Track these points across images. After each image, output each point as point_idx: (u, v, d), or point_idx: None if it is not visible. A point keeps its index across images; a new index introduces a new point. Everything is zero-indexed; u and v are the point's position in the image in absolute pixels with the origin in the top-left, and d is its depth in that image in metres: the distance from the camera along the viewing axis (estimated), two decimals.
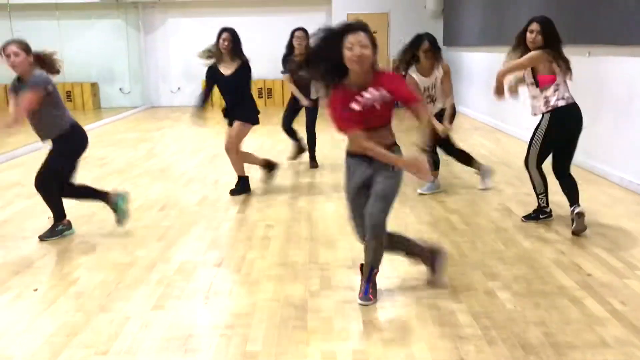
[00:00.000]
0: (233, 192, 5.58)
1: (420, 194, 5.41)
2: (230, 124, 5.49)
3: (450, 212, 4.88)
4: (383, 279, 3.46)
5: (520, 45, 4.33)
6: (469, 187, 5.66)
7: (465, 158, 5.58)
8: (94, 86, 13.85)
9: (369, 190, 3.07)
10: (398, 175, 3.10)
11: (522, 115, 8.29)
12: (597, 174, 6.00)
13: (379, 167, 3.05)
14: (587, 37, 6.24)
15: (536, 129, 4.34)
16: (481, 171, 5.59)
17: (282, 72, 6.61)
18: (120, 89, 14.10)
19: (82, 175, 6.50)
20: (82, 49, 13.38)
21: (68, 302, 3.28)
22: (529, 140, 4.43)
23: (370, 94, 2.96)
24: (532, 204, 4.86)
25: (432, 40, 5.11)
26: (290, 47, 6.37)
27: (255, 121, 5.54)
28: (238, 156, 5.57)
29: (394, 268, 3.63)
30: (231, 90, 5.39)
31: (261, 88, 13.95)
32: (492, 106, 9.85)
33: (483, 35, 10.23)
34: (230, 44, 5.31)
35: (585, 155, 6.28)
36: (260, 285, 3.45)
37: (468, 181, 5.91)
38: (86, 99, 13.69)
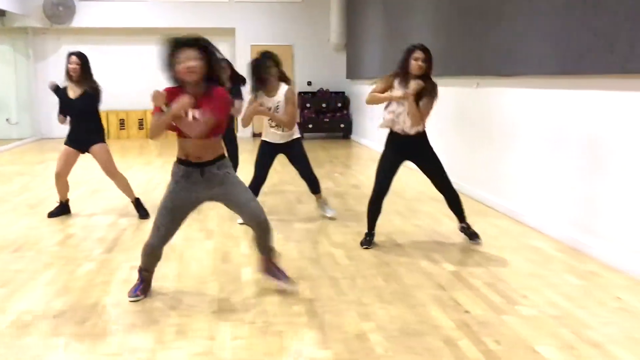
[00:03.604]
0: (144, 216, 5.55)
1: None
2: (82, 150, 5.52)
3: (336, 246, 4.62)
4: (247, 326, 3.12)
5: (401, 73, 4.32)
6: (359, 220, 5.45)
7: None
8: None
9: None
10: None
11: None
12: (487, 204, 5.98)
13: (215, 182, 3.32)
14: (475, 68, 6.30)
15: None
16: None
17: None
18: (7, 120, 13.09)
19: None
20: None
21: None
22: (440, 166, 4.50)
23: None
24: (418, 234, 4.76)
25: (277, 60, 5.13)
26: None
27: None
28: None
29: (262, 312, 3.30)
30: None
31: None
32: None
33: (382, 67, 10.28)
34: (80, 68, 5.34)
35: (476, 186, 6.27)
36: (106, 337, 3.00)
37: (359, 213, 5.71)
38: None
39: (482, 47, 6.10)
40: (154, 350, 2.86)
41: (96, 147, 5.47)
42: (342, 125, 12.93)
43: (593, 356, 2.76)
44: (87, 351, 2.86)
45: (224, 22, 13.08)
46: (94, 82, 5.41)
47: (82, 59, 5.36)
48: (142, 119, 13.37)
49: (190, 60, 3.04)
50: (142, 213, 5.58)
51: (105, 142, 5.56)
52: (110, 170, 5.54)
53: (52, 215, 5.59)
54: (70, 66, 5.31)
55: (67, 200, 5.73)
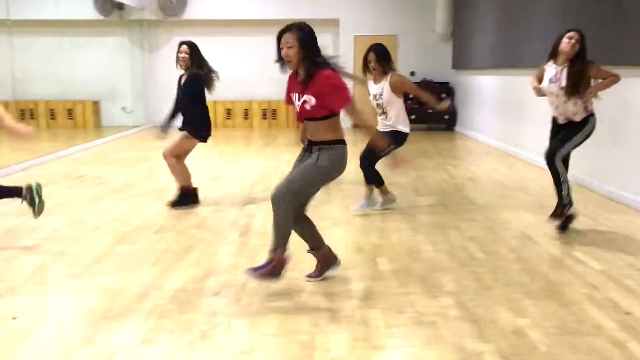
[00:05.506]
0: (174, 205, 5.62)
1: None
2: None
3: (467, 239, 4.54)
4: (398, 315, 3.13)
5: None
6: (485, 214, 5.33)
7: (378, 181, 5.43)
8: (96, 104, 13.64)
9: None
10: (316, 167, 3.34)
11: (538, 140, 7.99)
12: (625, 203, 5.66)
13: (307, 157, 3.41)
14: (611, 58, 5.96)
15: (576, 130, 4.50)
16: (388, 198, 5.50)
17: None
18: (123, 108, 13.87)
19: (79, 194, 6.23)
20: (84, 66, 13.22)
21: (48, 333, 2.94)
22: (560, 137, 4.54)
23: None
24: (552, 230, 4.60)
25: (378, 52, 5.18)
26: None
27: (198, 137, 5.65)
28: (176, 165, 5.65)
29: (409, 302, 3.30)
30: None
31: (265, 109, 13.73)
32: (505, 130, 9.57)
33: (494, 57, 9.99)
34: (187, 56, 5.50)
35: (614, 185, 5.95)
36: (262, 318, 3.11)
37: (484, 207, 5.58)
38: (87, 117, 13.46)
39: (620, 34, 5.76)
40: (312, 333, 2.92)
41: (181, 134, 5.63)
42: (445, 117, 12.70)
43: None
44: (248, 330, 2.97)
45: (328, 12, 13.16)
46: (201, 69, 5.49)
47: (192, 47, 5.50)
48: (247, 109, 13.73)
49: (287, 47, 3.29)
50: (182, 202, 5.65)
51: (188, 133, 5.59)
52: (165, 154, 5.64)
53: (175, 205, 5.60)
54: (180, 55, 5.49)
55: (196, 189, 5.78)
